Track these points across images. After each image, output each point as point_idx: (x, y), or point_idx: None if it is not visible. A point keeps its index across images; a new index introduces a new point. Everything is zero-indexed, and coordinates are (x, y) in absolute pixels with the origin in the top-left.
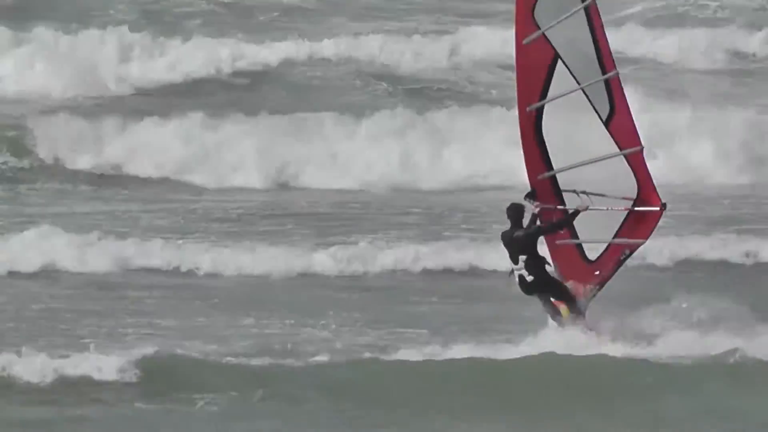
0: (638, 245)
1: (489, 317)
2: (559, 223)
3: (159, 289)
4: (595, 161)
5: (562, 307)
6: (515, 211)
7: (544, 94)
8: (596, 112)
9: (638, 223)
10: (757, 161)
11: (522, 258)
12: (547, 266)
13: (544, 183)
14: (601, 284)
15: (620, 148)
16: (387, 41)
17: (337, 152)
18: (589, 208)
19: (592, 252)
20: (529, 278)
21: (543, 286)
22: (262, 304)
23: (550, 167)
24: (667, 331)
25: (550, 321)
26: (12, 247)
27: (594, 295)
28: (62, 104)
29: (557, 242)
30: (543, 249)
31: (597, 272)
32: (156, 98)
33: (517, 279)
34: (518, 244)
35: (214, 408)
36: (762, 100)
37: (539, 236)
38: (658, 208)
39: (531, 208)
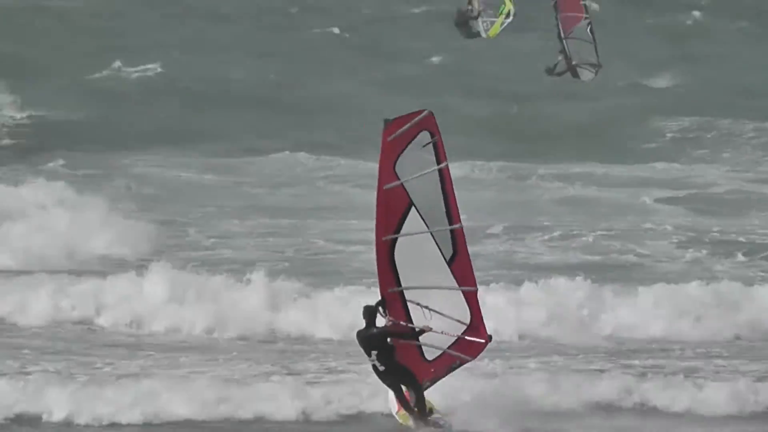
0: (467, 360)
1: None
2: (406, 334)
3: None
4: (438, 288)
5: (401, 413)
6: (369, 312)
7: (398, 229)
8: (441, 253)
9: (470, 343)
10: None
11: (374, 352)
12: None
13: (393, 295)
14: (433, 381)
15: (459, 285)
16: None
17: None
18: (431, 330)
19: (430, 354)
20: (381, 368)
21: (394, 373)
22: None
23: (399, 284)
24: None
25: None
26: None
27: (428, 387)
28: None
29: (400, 342)
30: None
31: (432, 370)
32: None
33: (371, 368)
34: (371, 340)
35: None
36: None
37: (387, 336)
38: (483, 341)
39: (386, 320)
